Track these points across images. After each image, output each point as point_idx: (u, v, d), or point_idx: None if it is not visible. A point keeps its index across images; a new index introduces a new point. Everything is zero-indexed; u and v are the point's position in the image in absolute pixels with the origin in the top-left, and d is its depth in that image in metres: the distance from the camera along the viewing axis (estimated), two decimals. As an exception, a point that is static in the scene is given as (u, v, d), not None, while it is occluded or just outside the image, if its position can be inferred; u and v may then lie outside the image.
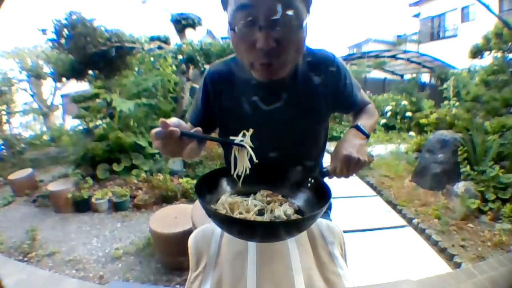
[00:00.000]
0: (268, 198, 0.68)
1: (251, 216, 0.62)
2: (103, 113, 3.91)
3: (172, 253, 1.97)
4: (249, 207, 0.64)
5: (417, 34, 14.88)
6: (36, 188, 3.60)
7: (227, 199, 0.66)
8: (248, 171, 0.62)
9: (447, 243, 2.23)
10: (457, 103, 5.51)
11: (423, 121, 5.23)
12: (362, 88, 0.88)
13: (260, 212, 0.64)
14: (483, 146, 3.04)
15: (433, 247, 2.24)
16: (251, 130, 0.62)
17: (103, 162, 3.47)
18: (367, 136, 0.75)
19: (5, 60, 8.19)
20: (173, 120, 0.52)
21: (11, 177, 3.57)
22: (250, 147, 0.61)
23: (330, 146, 0.98)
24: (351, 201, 3.12)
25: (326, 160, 0.74)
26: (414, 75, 10.35)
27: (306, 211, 0.67)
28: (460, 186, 2.76)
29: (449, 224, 2.47)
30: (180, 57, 4.40)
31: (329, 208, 0.93)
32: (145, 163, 3.57)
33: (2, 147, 5.12)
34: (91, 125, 4.10)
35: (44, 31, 3.56)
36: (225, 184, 0.72)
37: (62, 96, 9.64)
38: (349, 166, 0.66)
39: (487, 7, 3.61)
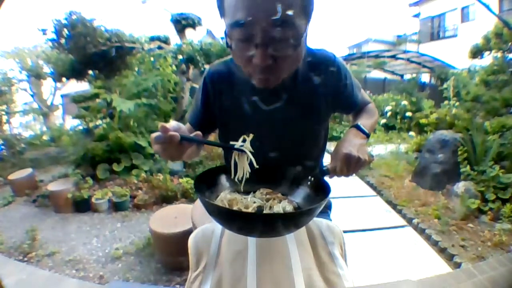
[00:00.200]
0: (268, 196, 0.68)
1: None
2: (103, 113, 3.91)
3: (172, 253, 1.97)
4: (248, 204, 0.64)
5: (417, 34, 14.88)
6: (36, 188, 3.60)
7: (226, 196, 0.67)
8: (248, 175, 0.62)
9: (447, 243, 2.23)
10: (457, 103, 5.51)
11: (423, 121, 5.23)
12: (362, 88, 0.87)
13: (259, 209, 0.64)
14: (483, 146, 3.04)
15: (433, 247, 2.24)
16: (251, 135, 0.62)
17: (103, 162, 3.47)
18: (367, 135, 0.75)
19: (5, 60, 8.19)
20: (172, 124, 0.52)
21: (11, 177, 3.57)
22: (251, 152, 0.61)
23: (330, 146, 0.98)
24: (351, 201, 3.12)
25: (327, 160, 0.74)
26: (414, 75, 10.35)
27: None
28: (460, 186, 2.76)
29: (449, 224, 2.47)
30: (180, 57, 4.40)
31: (329, 208, 0.93)
32: (145, 163, 3.57)
33: (2, 147, 5.12)
34: (91, 125, 4.10)
35: (44, 31, 3.56)
36: (224, 182, 0.72)
37: (62, 96, 9.65)
38: (349, 165, 0.66)
39: (487, 7, 3.61)
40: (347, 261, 0.76)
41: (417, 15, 14.39)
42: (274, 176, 0.72)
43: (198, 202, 1.36)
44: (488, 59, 5.57)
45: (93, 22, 3.68)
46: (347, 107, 0.84)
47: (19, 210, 3.18)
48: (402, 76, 10.86)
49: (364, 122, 0.78)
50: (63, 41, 3.61)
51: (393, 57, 9.45)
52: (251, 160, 0.62)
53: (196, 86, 0.92)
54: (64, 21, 3.52)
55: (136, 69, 4.72)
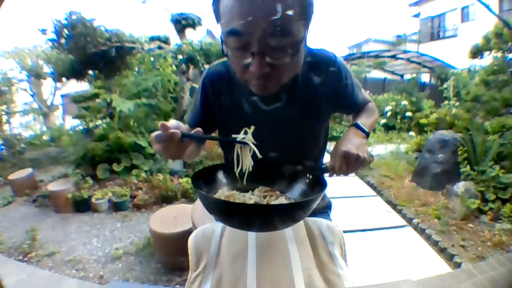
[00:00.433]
0: (266, 193, 0.68)
1: None
2: (103, 113, 3.92)
3: (172, 253, 1.97)
4: (245, 200, 0.64)
5: (417, 34, 14.88)
6: (36, 188, 3.60)
7: (224, 193, 0.67)
8: (251, 169, 0.62)
9: (447, 243, 2.23)
10: (457, 103, 5.51)
11: (423, 121, 5.23)
12: (362, 88, 0.87)
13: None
14: (483, 146, 3.04)
15: (433, 247, 2.24)
16: (252, 127, 0.62)
17: (103, 162, 3.47)
18: (367, 134, 0.74)
19: (5, 60, 8.20)
20: (172, 122, 0.52)
21: (11, 177, 3.57)
22: (253, 143, 0.61)
23: (330, 146, 0.98)
24: (351, 201, 3.12)
25: (327, 160, 0.74)
26: (414, 75, 10.36)
27: None
28: (460, 186, 2.76)
29: (449, 224, 2.47)
30: (180, 57, 4.40)
31: (329, 208, 0.93)
32: (145, 163, 3.57)
33: (2, 147, 5.13)
34: (91, 125, 4.10)
35: (44, 31, 3.56)
36: (223, 180, 0.73)
37: (62, 96, 9.65)
38: (348, 163, 0.66)
39: (487, 7, 3.61)
40: (347, 261, 0.75)
41: (417, 15, 14.39)
42: (273, 175, 0.72)
43: (198, 202, 1.36)
44: (488, 59, 5.57)
45: (93, 22, 3.68)
46: (348, 107, 0.84)
47: (19, 210, 3.18)
48: (402, 76, 10.86)
49: (364, 121, 0.78)
50: (63, 41, 3.62)
51: (393, 57, 9.45)
52: (254, 152, 0.61)
53: (196, 86, 0.91)
54: (64, 21, 3.52)
55: (136, 69, 4.73)
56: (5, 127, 7.12)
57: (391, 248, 2.23)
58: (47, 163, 4.75)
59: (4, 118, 7.00)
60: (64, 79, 5.13)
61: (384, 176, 3.74)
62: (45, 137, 6.42)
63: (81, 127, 4.34)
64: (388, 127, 6.67)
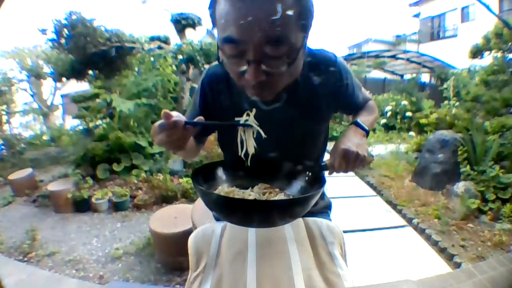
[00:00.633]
0: (265, 190, 0.69)
1: None
2: (103, 113, 3.92)
3: (172, 253, 1.97)
4: (244, 197, 0.64)
5: (417, 34, 14.88)
6: (36, 188, 3.60)
7: (224, 189, 0.67)
8: (254, 151, 0.62)
9: (447, 243, 2.23)
10: (457, 103, 5.51)
11: (423, 121, 5.23)
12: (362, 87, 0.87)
13: None
14: (483, 146, 3.04)
15: (433, 247, 2.24)
16: (254, 110, 0.62)
17: (103, 162, 3.47)
18: (367, 132, 0.74)
19: (5, 60, 8.20)
20: (174, 112, 0.52)
21: (11, 177, 3.57)
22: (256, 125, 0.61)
23: (330, 146, 0.98)
24: (351, 201, 3.12)
25: (326, 158, 0.74)
26: (414, 75, 10.36)
27: None
28: (460, 186, 2.76)
29: (449, 224, 2.47)
30: (180, 57, 4.40)
31: (329, 208, 0.93)
32: (145, 163, 3.57)
33: (2, 147, 5.13)
34: (91, 125, 4.10)
35: (44, 31, 3.56)
36: (222, 177, 0.73)
37: (62, 96, 9.66)
38: (348, 160, 0.66)
39: (487, 7, 3.61)
40: (347, 261, 0.76)
41: (417, 15, 14.39)
42: (272, 172, 0.73)
43: (198, 202, 1.36)
44: (488, 59, 5.57)
45: (93, 22, 3.68)
46: (348, 107, 0.84)
47: (19, 210, 3.17)
48: (402, 76, 10.86)
49: (364, 119, 0.77)
50: (63, 41, 3.61)
51: (393, 57, 9.45)
52: (257, 135, 0.61)
53: (196, 86, 0.90)
54: (64, 21, 3.52)
55: (136, 69, 4.73)
56: (5, 127, 7.12)
57: (391, 248, 2.23)
58: (47, 163, 4.75)
59: (4, 118, 7.00)
60: (64, 79, 5.13)
61: (384, 176, 3.74)
62: (45, 137, 6.42)
63: (81, 127, 4.35)
64: (388, 127, 6.67)
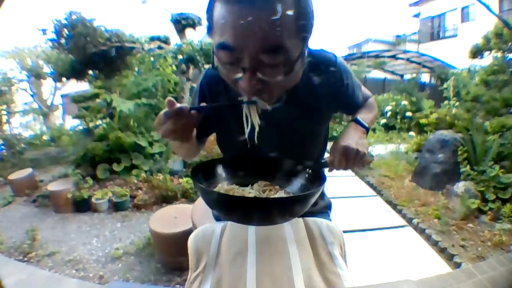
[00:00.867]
0: (265, 188, 0.68)
1: None
2: (103, 113, 3.92)
3: (172, 253, 1.97)
4: (244, 194, 0.64)
5: (417, 34, 14.89)
6: (36, 188, 3.60)
7: (223, 187, 0.67)
8: (258, 129, 0.61)
9: (447, 243, 2.23)
10: (457, 103, 5.52)
11: (423, 121, 5.23)
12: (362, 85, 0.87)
13: None
14: (483, 146, 3.04)
15: (433, 247, 2.24)
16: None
17: (103, 162, 3.47)
18: (367, 129, 0.74)
19: (5, 60, 8.21)
20: (171, 98, 0.52)
21: (11, 177, 3.57)
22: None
23: (330, 146, 0.98)
24: (351, 201, 3.12)
25: (326, 155, 0.74)
26: (414, 75, 10.36)
27: None
28: (460, 186, 2.76)
29: (449, 224, 2.47)
30: (180, 57, 4.41)
31: (329, 208, 0.93)
32: (145, 163, 3.57)
33: (2, 147, 5.13)
34: (91, 125, 4.11)
35: (44, 31, 3.57)
36: (222, 175, 0.72)
37: (62, 96, 9.67)
38: (348, 158, 0.65)
39: (487, 7, 3.61)
40: (347, 261, 0.76)
41: (417, 15, 14.40)
42: (272, 170, 0.73)
43: (198, 202, 1.36)
44: (488, 59, 5.58)
45: (93, 22, 3.69)
46: (348, 107, 0.84)
47: (19, 210, 3.18)
48: (402, 76, 10.86)
49: (364, 116, 0.77)
50: (63, 41, 3.62)
51: (393, 57, 9.46)
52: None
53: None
54: (64, 21, 3.52)
55: (136, 69, 4.73)
56: (5, 127, 7.13)
57: (391, 248, 2.23)
58: (47, 163, 4.75)
59: (4, 118, 7.01)
60: (64, 79, 5.13)
61: (384, 176, 3.74)
62: (45, 137, 6.42)
63: (81, 127, 4.35)
64: (388, 127, 6.67)
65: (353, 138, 0.68)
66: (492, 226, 2.42)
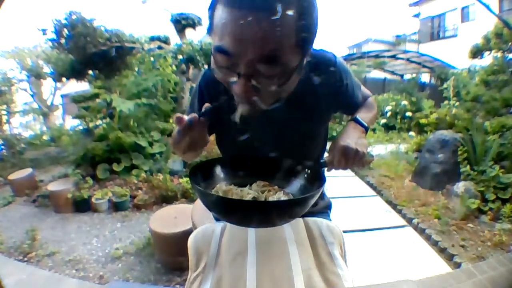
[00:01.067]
0: (264, 188, 0.68)
1: None
2: (103, 113, 3.92)
3: (172, 253, 1.97)
4: (243, 195, 0.64)
5: (417, 34, 14.89)
6: (36, 188, 3.60)
7: (222, 187, 0.66)
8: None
9: (447, 243, 2.23)
10: (457, 103, 5.52)
11: (423, 121, 5.23)
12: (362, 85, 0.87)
13: (255, 200, 0.64)
14: (483, 146, 3.04)
15: (433, 247, 2.24)
16: None
17: (103, 162, 3.47)
18: (366, 128, 0.74)
19: (5, 60, 8.21)
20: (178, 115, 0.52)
21: (11, 177, 3.57)
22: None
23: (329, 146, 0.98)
24: (351, 201, 3.12)
25: (326, 155, 0.74)
26: (414, 75, 10.36)
27: None
28: (460, 186, 2.76)
29: (449, 224, 2.47)
30: (180, 57, 4.41)
31: (329, 208, 0.93)
32: (145, 163, 3.57)
33: (2, 147, 5.13)
34: (91, 125, 4.11)
35: (44, 31, 3.56)
36: (220, 175, 0.72)
37: (62, 96, 9.67)
38: (347, 157, 0.65)
39: (487, 7, 3.61)
40: (347, 261, 0.75)
41: (417, 15, 14.40)
42: (271, 170, 0.72)
43: (198, 202, 1.36)
44: (488, 59, 5.58)
45: (93, 22, 3.68)
46: (348, 107, 0.84)
47: (19, 210, 3.17)
48: (402, 76, 10.86)
49: (363, 115, 0.77)
50: (63, 41, 3.61)
51: (393, 57, 9.46)
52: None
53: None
54: (64, 21, 3.52)
55: (136, 69, 4.73)
56: (5, 127, 7.13)
57: (391, 248, 2.23)
58: (47, 163, 4.75)
59: (4, 118, 7.01)
60: (64, 79, 5.13)
61: (384, 176, 3.74)
62: (45, 137, 6.42)
63: (81, 127, 4.35)
64: (388, 127, 6.67)
65: (352, 138, 0.68)
66: (492, 226, 2.42)
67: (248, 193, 0.65)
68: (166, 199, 3.11)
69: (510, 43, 4.96)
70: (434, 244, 2.25)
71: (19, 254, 2.27)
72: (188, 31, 5.13)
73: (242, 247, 0.70)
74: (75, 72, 4.39)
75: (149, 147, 3.70)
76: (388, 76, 10.71)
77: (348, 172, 3.91)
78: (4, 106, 7.01)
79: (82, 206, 3.02)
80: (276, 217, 0.55)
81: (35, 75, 8.02)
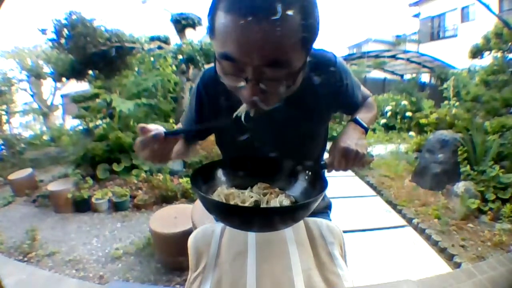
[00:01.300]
0: (265, 191, 0.68)
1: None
2: (103, 113, 3.92)
3: (172, 253, 1.97)
4: (245, 198, 0.64)
5: (417, 34, 14.88)
6: (36, 188, 3.60)
7: (223, 191, 0.66)
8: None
9: (447, 243, 2.23)
10: (457, 103, 5.52)
11: (423, 121, 5.23)
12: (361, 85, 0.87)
13: (256, 204, 0.64)
14: (483, 146, 3.04)
15: (433, 247, 2.24)
16: None
17: (103, 162, 3.47)
18: (366, 129, 0.74)
19: (5, 60, 8.21)
20: (151, 126, 0.52)
21: (11, 177, 3.57)
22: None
23: (329, 146, 0.98)
24: (351, 201, 3.12)
25: (326, 157, 0.74)
26: (414, 75, 10.36)
27: None
28: (460, 186, 2.76)
29: (449, 224, 2.47)
30: (180, 57, 4.40)
31: (329, 208, 0.93)
32: (145, 163, 3.57)
33: (2, 147, 5.13)
34: (91, 125, 4.11)
35: (44, 31, 3.57)
36: (221, 178, 0.72)
37: (62, 96, 9.67)
38: (348, 159, 0.65)
39: (487, 7, 3.61)
40: (347, 261, 0.75)
41: (417, 15, 14.39)
42: (272, 172, 0.72)
43: (198, 202, 1.36)
44: (488, 59, 5.58)
45: (93, 22, 3.69)
46: (348, 107, 0.84)
47: (19, 210, 3.17)
48: (402, 76, 10.86)
49: (363, 116, 0.77)
50: (63, 41, 3.62)
51: (393, 57, 9.45)
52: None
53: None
54: (64, 21, 3.52)
55: (136, 69, 4.73)
56: (5, 127, 7.13)
57: (391, 248, 2.23)
58: (47, 163, 4.75)
59: (4, 118, 7.01)
60: (64, 79, 5.13)
61: (384, 176, 3.74)
62: (45, 137, 6.43)
63: (81, 127, 4.35)
64: (388, 127, 6.67)
65: (352, 139, 0.68)
66: (492, 226, 2.42)
67: (250, 196, 0.64)
68: (166, 199, 3.11)
69: (510, 43, 4.96)
70: (434, 244, 2.25)
71: (19, 254, 2.27)
72: (188, 31, 5.13)
73: (242, 247, 0.70)
74: (75, 72, 4.39)
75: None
76: (388, 76, 10.70)
77: (348, 172, 3.91)
78: (4, 106, 7.02)
79: (82, 206, 3.02)
80: (278, 221, 0.55)
81: (35, 75, 8.02)
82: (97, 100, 4.02)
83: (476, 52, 5.71)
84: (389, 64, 9.97)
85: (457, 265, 1.98)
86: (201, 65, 4.28)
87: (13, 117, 7.81)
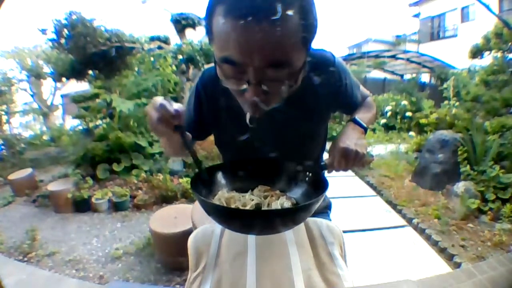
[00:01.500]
0: (266, 193, 0.68)
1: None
2: (103, 113, 3.92)
3: (172, 253, 1.97)
4: (245, 201, 0.64)
5: (417, 34, 14.89)
6: (36, 188, 3.60)
7: (224, 194, 0.66)
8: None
9: (447, 243, 2.23)
10: (457, 103, 5.51)
11: (423, 121, 5.23)
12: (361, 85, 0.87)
13: (258, 206, 0.64)
14: (483, 146, 3.04)
15: (433, 247, 2.24)
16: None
17: (103, 162, 3.48)
18: (365, 129, 0.74)
19: (5, 60, 8.21)
20: (175, 104, 0.53)
21: (11, 177, 3.57)
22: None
23: (329, 146, 0.98)
24: (351, 201, 3.12)
25: (326, 157, 0.73)
26: (414, 75, 10.36)
27: None
28: (460, 186, 2.76)
29: (449, 224, 2.47)
30: (180, 57, 4.41)
31: (329, 208, 0.93)
32: (145, 163, 3.57)
33: (2, 147, 5.13)
34: (91, 125, 4.11)
35: (44, 31, 3.57)
36: (222, 180, 0.72)
37: (62, 96, 9.67)
38: (347, 159, 0.65)
39: (487, 7, 3.61)
40: (346, 261, 0.75)
41: (417, 15, 14.39)
42: (272, 174, 0.72)
43: (198, 203, 1.36)
44: (488, 59, 5.58)
45: (93, 22, 3.69)
46: (347, 107, 0.84)
47: (19, 210, 3.18)
48: (402, 76, 10.86)
49: (362, 116, 0.77)
50: (63, 41, 3.62)
51: (393, 57, 9.45)
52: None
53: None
54: (64, 21, 3.53)
55: (136, 69, 4.73)
56: (5, 127, 7.13)
57: (391, 248, 2.23)
58: (47, 163, 4.75)
59: (4, 118, 7.01)
60: (64, 79, 5.14)
61: (384, 176, 3.74)
62: (45, 137, 6.43)
63: (81, 127, 4.35)
64: (388, 127, 6.67)
65: (351, 139, 0.68)
66: (492, 226, 2.42)
67: (251, 199, 0.64)
68: (166, 199, 3.11)
69: (510, 43, 4.96)
70: (434, 244, 2.25)
71: (19, 254, 2.27)
72: (188, 31, 5.13)
73: (242, 248, 0.70)
74: (75, 72, 4.40)
75: (149, 147, 3.70)
76: (388, 76, 10.70)
77: (348, 172, 3.90)
78: (4, 106, 7.01)
79: (82, 206, 3.02)
80: (279, 224, 0.55)
81: (35, 75, 8.02)
82: (97, 100, 4.02)
83: (476, 52, 5.71)
84: (389, 64, 9.97)
85: (457, 265, 1.98)
86: (201, 65, 4.28)
87: (13, 117, 7.81)
